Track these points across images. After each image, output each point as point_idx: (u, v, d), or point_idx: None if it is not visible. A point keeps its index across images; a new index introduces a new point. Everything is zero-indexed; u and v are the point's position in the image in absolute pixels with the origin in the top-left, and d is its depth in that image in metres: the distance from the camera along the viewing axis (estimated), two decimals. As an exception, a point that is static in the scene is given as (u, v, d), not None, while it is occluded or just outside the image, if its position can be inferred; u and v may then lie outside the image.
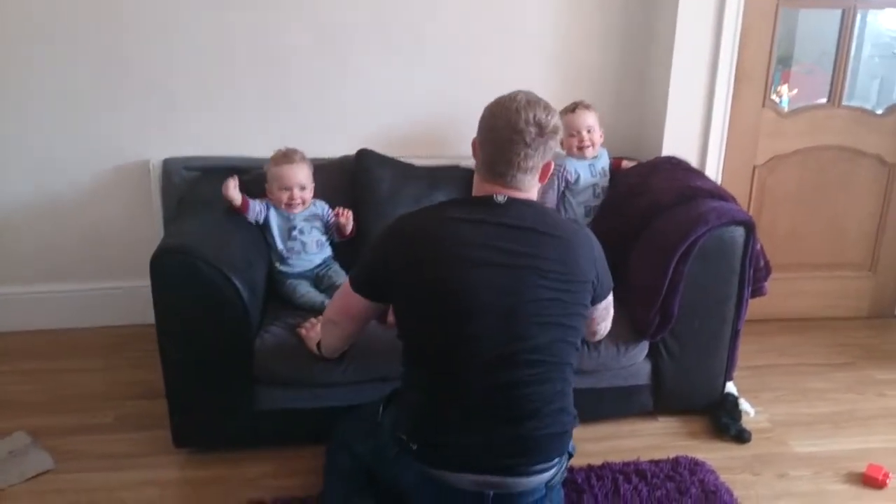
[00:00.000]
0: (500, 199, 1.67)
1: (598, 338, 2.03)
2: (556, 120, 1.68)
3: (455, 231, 1.65)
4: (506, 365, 1.61)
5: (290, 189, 2.41)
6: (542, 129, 1.65)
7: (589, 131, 2.61)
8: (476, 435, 1.62)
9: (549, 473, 1.68)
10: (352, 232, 2.51)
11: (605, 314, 1.92)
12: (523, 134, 1.64)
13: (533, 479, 1.65)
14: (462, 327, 1.61)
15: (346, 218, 2.48)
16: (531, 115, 1.64)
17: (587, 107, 2.64)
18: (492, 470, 1.62)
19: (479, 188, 1.75)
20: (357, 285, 1.77)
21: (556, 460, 1.69)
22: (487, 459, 1.62)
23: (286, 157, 2.43)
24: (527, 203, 1.71)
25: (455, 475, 1.62)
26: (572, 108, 2.62)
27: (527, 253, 1.63)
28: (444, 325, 1.63)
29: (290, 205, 2.42)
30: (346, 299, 1.81)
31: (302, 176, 2.43)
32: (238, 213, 2.36)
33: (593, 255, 1.74)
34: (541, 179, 1.75)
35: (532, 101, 1.67)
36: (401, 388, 1.78)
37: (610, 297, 1.87)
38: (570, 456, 1.79)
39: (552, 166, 1.75)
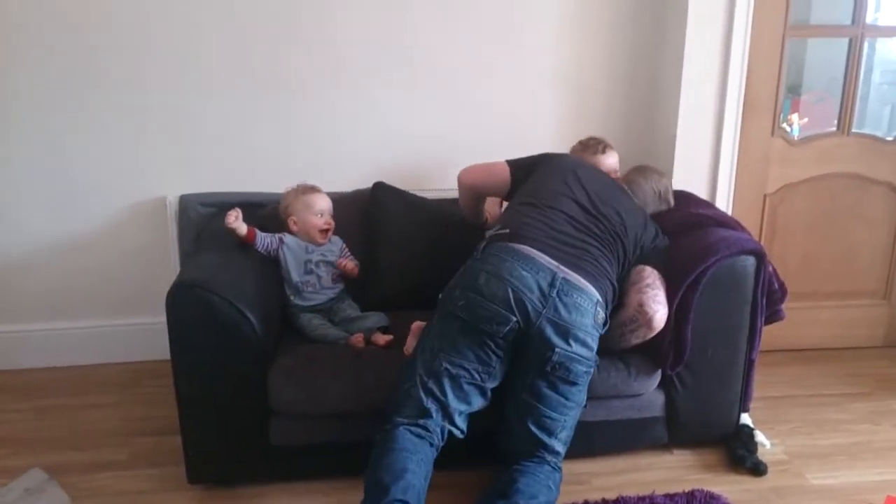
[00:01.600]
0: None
1: (652, 314, 2.14)
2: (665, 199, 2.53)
3: (581, 162, 2.42)
4: (580, 226, 2.14)
5: (324, 214, 2.47)
6: (667, 195, 2.52)
7: (616, 173, 2.62)
8: (554, 235, 2.07)
9: (598, 297, 2.03)
10: (357, 273, 2.54)
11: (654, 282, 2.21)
12: (660, 181, 2.52)
13: (589, 284, 2.02)
14: (560, 197, 2.19)
15: (347, 269, 2.50)
16: (667, 183, 2.55)
17: (612, 147, 2.64)
18: (561, 261, 2.01)
19: None
20: (512, 161, 2.40)
21: (602, 296, 2.05)
22: (559, 254, 2.03)
23: (312, 187, 2.52)
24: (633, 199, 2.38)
25: (535, 251, 2.01)
26: (602, 149, 2.61)
27: (612, 195, 2.27)
28: (549, 192, 2.21)
29: (325, 231, 2.48)
30: (493, 165, 2.42)
31: (328, 203, 2.51)
32: (246, 243, 2.38)
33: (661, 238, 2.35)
34: None
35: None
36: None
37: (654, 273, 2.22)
38: (606, 323, 2.09)
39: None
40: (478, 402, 2.00)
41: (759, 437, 2.41)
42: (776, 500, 2.19)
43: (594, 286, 2.01)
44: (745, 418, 2.45)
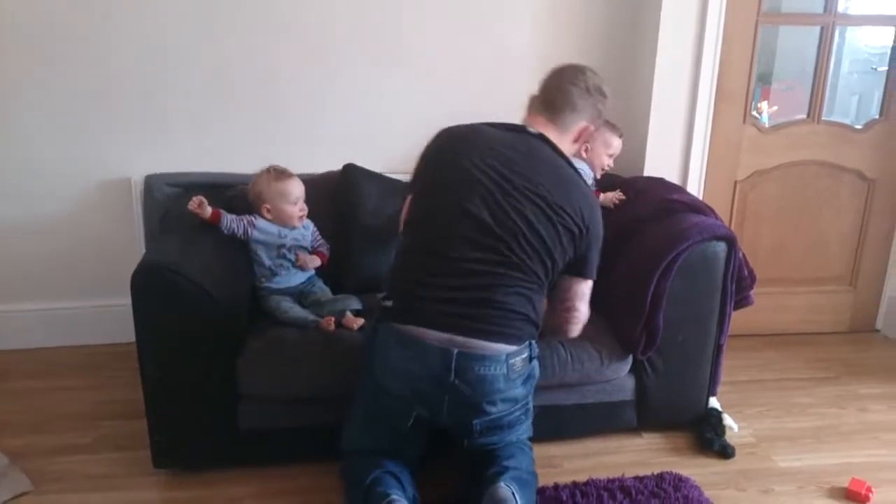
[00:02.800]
0: (533, 130, 1.95)
1: (570, 330, 2.04)
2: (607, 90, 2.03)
3: (477, 138, 1.92)
4: (487, 261, 1.80)
5: (298, 201, 2.42)
6: (600, 88, 1.99)
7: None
8: (444, 295, 1.79)
9: (512, 348, 1.82)
10: (323, 265, 2.51)
11: (580, 299, 1.99)
12: (586, 76, 1.99)
13: (494, 345, 1.79)
14: (450, 223, 1.83)
15: (306, 266, 2.46)
16: (597, 77, 2.02)
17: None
18: (456, 330, 1.77)
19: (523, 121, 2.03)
20: (409, 186, 2.03)
21: (516, 342, 1.83)
22: (454, 320, 1.77)
23: (284, 172, 2.42)
24: (552, 144, 1.94)
25: (423, 330, 1.78)
26: (620, 133, 2.65)
27: (526, 177, 1.84)
28: (435, 217, 1.87)
29: (300, 217, 2.43)
30: (407, 203, 2.04)
31: (302, 188, 2.44)
32: (211, 224, 2.34)
33: (590, 204, 1.92)
34: (576, 139, 2.02)
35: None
36: (389, 267, 2.01)
37: (587, 289, 1.99)
38: (532, 358, 1.91)
39: (589, 132, 2.03)
40: (413, 455, 1.96)
41: (728, 420, 2.44)
42: (744, 483, 2.21)
43: (502, 340, 1.80)
44: (714, 402, 2.48)
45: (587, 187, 1.99)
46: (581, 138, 2.04)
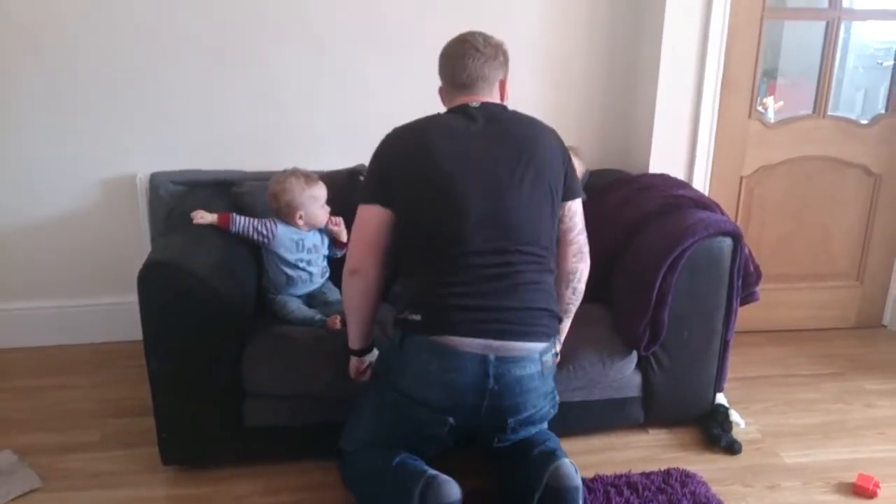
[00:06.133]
0: (474, 104, 1.92)
1: (587, 251, 2.03)
2: (499, 40, 1.99)
3: (440, 133, 1.88)
4: (497, 253, 1.80)
5: (325, 202, 2.42)
6: (487, 41, 1.95)
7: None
8: (471, 302, 1.77)
9: (542, 345, 1.83)
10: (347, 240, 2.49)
11: (581, 216, 2.02)
12: (474, 43, 1.93)
13: (528, 344, 1.79)
14: (453, 225, 1.80)
15: (338, 225, 2.45)
16: (478, 35, 1.97)
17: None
18: (490, 335, 1.76)
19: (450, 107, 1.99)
20: (368, 197, 1.89)
21: (545, 339, 1.84)
22: (486, 325, 1.76)
23: (310, 176, 2.39)
24: (498, 104, 1.96)
25: (458, 339, 1.75)
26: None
27: (505, 146, 1.86)
28: (436, 223, 1.82)
29: (326, 216, 2.43)
30: (361, 224, 1.90)
31: (325, 189, 2.44)
32: (220, 228, 2.33)
33: (561, 144, 1.97)
34: (501, 97, 2.00)
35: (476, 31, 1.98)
36: (399, 284, 2.00)
37: (580, 206, 2.03)
38: (557, 353, 1.98)
39: (507, 85, 2.00)
40: (426, 458, 1.91)
41: (734, 416, 2.43)
42: (751, 479, 2.21)
43: (534, 339, 1.81)
44: (720, 398, 2.47)
45: (544, 124, 1.98)
46: (503, 92, 2.01)
